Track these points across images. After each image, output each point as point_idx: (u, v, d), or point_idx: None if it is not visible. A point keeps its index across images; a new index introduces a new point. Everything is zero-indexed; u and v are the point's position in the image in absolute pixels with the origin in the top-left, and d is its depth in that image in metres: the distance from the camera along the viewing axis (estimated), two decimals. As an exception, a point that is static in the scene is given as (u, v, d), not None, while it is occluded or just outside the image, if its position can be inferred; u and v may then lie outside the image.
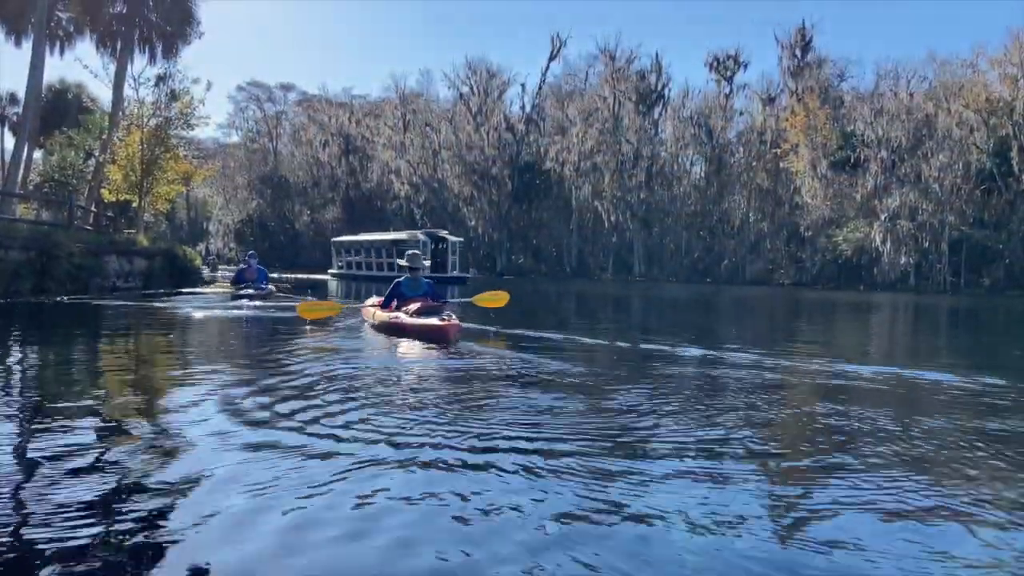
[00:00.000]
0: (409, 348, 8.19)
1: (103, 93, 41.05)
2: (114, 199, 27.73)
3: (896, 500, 3.20)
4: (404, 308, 9.53)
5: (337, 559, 2.49)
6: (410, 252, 10.57)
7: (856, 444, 4.18)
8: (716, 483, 3.37)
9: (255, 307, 14.40)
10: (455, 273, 39.21)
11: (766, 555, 2.60)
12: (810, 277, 55.65)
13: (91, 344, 9.04)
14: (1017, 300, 37.78)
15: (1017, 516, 3.06)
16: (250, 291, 16.60)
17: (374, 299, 10.84)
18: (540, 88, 68.45)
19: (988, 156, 48.95)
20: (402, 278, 10.25)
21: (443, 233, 42.12)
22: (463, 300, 10.98)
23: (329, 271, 46.69)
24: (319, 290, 23.57)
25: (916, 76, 56.12)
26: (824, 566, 2.53)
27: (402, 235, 42.25)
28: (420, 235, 40.56)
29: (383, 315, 9.76)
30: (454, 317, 8.95)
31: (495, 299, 11.80)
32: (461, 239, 44.08)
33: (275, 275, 30.44)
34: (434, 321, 8.66)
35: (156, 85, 25.83)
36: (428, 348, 8.09)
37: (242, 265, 18.94)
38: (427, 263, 39.46)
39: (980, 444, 4.27)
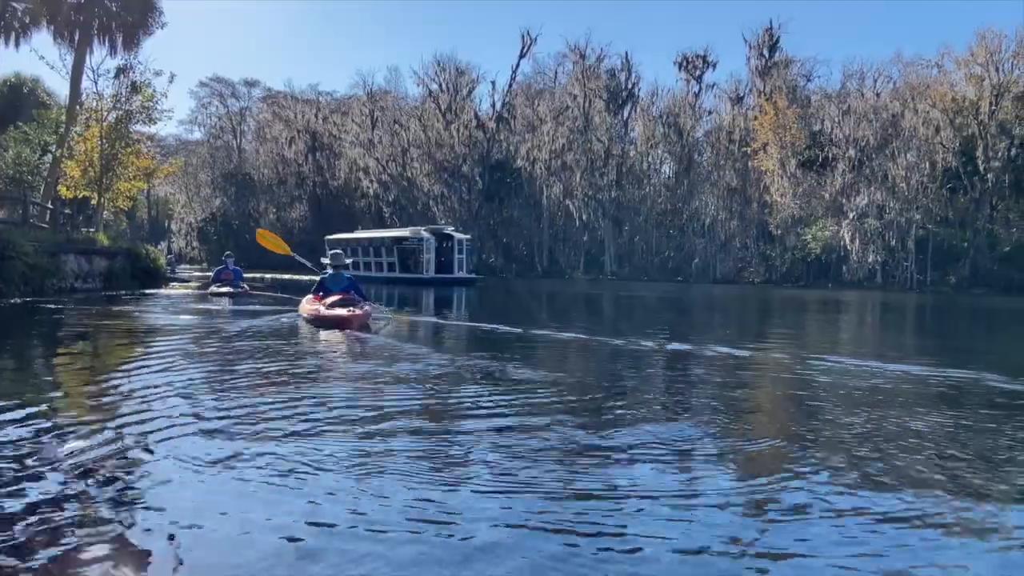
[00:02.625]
0: (338, 342, 9.11)
1: (61, 88, 39.70)
2: (72, 196, 26.59)
3: (863, 488, 3.36)
4: (324, 301, 11.01)
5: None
6: (332, 252, 12.50)
7: (833, 439, 4.34)
8: (688, 478, 3.46)
9: (231, 307, 14.54)
10: (462, 273, 35.55)
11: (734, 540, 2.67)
12: (779, 275, 55.96)
13: (39, 351, 8.36)
14: (982, 298, 38.32)
15: (985, 505, 3.19)
16: (226, 289, 17.55)
17: (310, 296, 12.11)
18: (510, 86, 67.93)
19: (954, 155, 49.63)
20: (327, 275, 11.91)
21: (449, 230, 37.99)
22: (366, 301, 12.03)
23: (322, 272, 43.59)
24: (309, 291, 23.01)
25: (882, 76, 56.80)
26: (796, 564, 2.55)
27: (404, 232, 38.56)
28: (424, 232, 36.62)
29: (308, 307, 11.26)
30: (365, 308, 10.86)
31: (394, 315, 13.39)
32: (469, 236, 39.86)
33: (268, 276, 29.82)
34: (342, 312, 10.29)
35: (116, 77, 24.84)
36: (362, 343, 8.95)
37: (220, 267, 19.92)
38: (431, 260, 35.53)
39: (948, 438, 4.43)
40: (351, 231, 46.69)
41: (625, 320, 16.92)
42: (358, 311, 10.38)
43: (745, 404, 5.66)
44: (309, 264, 14.76)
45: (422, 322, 13.31)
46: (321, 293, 11.39)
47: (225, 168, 79.02)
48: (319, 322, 10.46)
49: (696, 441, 4.11)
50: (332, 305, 10.60)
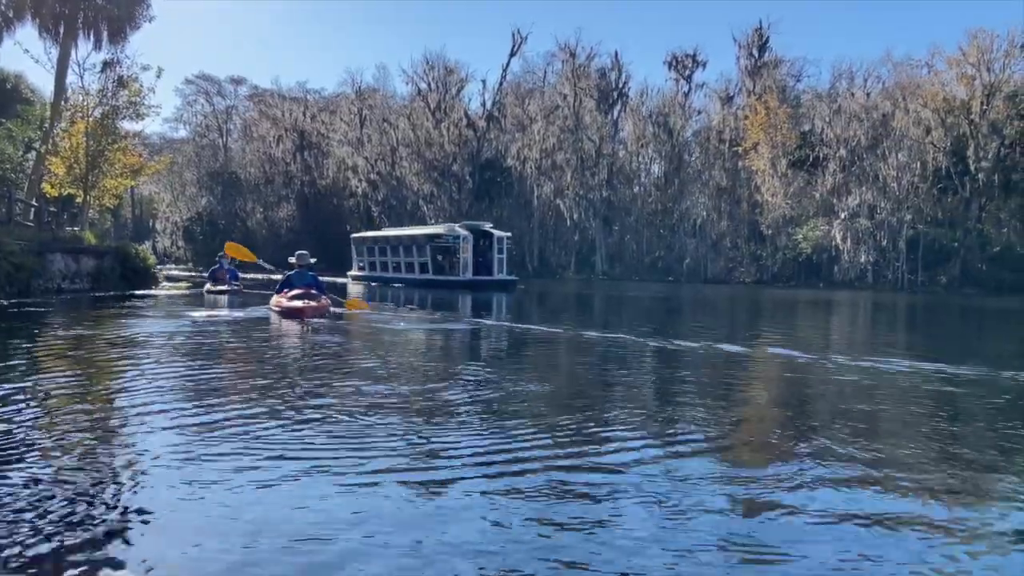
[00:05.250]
0: (303, 330, 10.16)
1: (45, 83, 38.93)
2: (56, 194, 25.92)
3: (846, 478, 3.47)
4: (287, 294, 12.76)
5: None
6: (299, 252, 14.03)
7: (827, 437, 4.36)
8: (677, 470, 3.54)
9: (227, 306, 14.84)
10: (501, 275, 31.91)
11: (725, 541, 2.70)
12: (770, 275, 55.89)
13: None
14: (973, 298, 38.36)
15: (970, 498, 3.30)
16: (222, 288, 18.33)
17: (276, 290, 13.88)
18: (500, 84, 67.51)
19: (944, 155, 49.69)
20: (292, 272, 13.55)
21: (487, 226, 34.16)
22: (339, 300, 13.90)
23: (349, 273, 39.47)
24: (339, 294, 22.09)
25: (872, 76, 56.83)
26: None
27: (438, 229, 35.35)
28: (459, 228, 33.03)
29: (274, 300, 13.05)
30: (322, 300, 12.59)
31: (357, 306, 14.82)
32: (509, 234, 35.77)
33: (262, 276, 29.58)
34: (298, 304, 12.12)
35: (102, 72, 24.26)
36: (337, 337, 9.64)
37: (214, 266, 20.48)
38: (468, 260, 31.79)
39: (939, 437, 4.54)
40: (345, 229, 45.50)
41: (640, 319, 16.70)
42: (312, 303, 12.21)
43: (742, 403, 5.79)
44: (269, 267, 17.00)
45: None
46: (286, 288, 13.11)
47: (211, 167, 78.06)
48: (282, 312, 12.23)
49: (692, 439, 4.21)
50: (292, 298, 12.51)
